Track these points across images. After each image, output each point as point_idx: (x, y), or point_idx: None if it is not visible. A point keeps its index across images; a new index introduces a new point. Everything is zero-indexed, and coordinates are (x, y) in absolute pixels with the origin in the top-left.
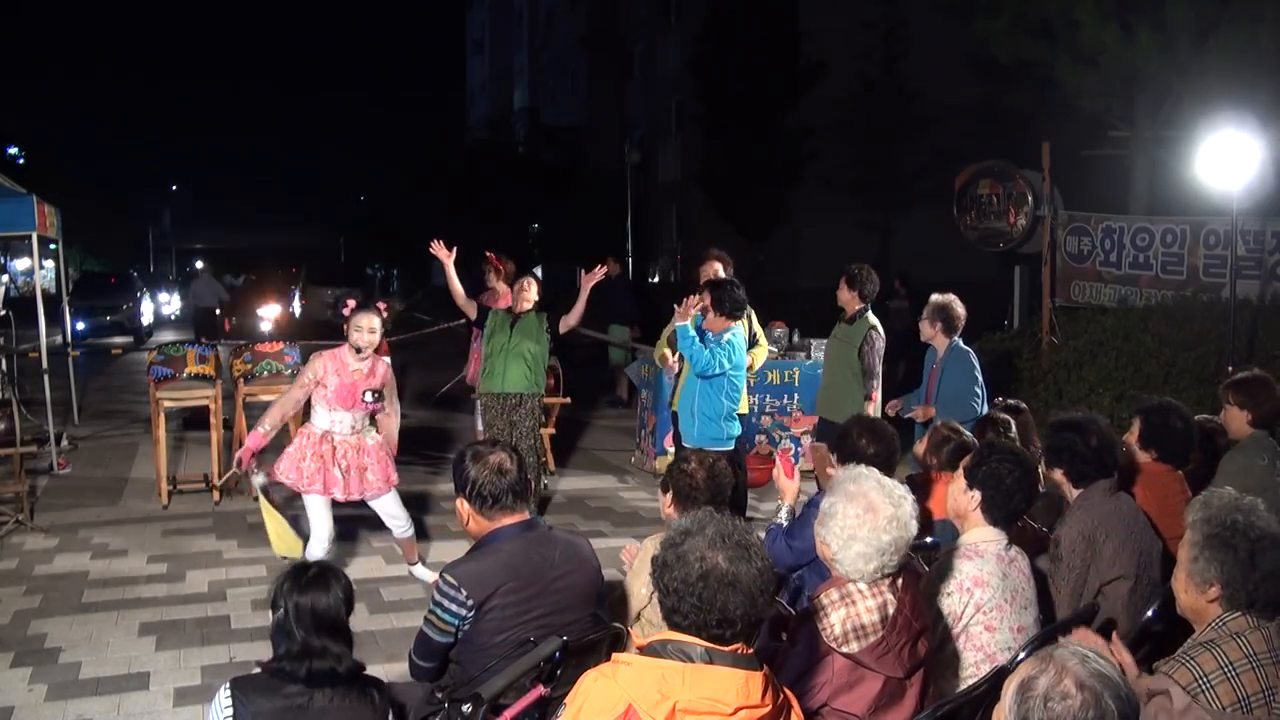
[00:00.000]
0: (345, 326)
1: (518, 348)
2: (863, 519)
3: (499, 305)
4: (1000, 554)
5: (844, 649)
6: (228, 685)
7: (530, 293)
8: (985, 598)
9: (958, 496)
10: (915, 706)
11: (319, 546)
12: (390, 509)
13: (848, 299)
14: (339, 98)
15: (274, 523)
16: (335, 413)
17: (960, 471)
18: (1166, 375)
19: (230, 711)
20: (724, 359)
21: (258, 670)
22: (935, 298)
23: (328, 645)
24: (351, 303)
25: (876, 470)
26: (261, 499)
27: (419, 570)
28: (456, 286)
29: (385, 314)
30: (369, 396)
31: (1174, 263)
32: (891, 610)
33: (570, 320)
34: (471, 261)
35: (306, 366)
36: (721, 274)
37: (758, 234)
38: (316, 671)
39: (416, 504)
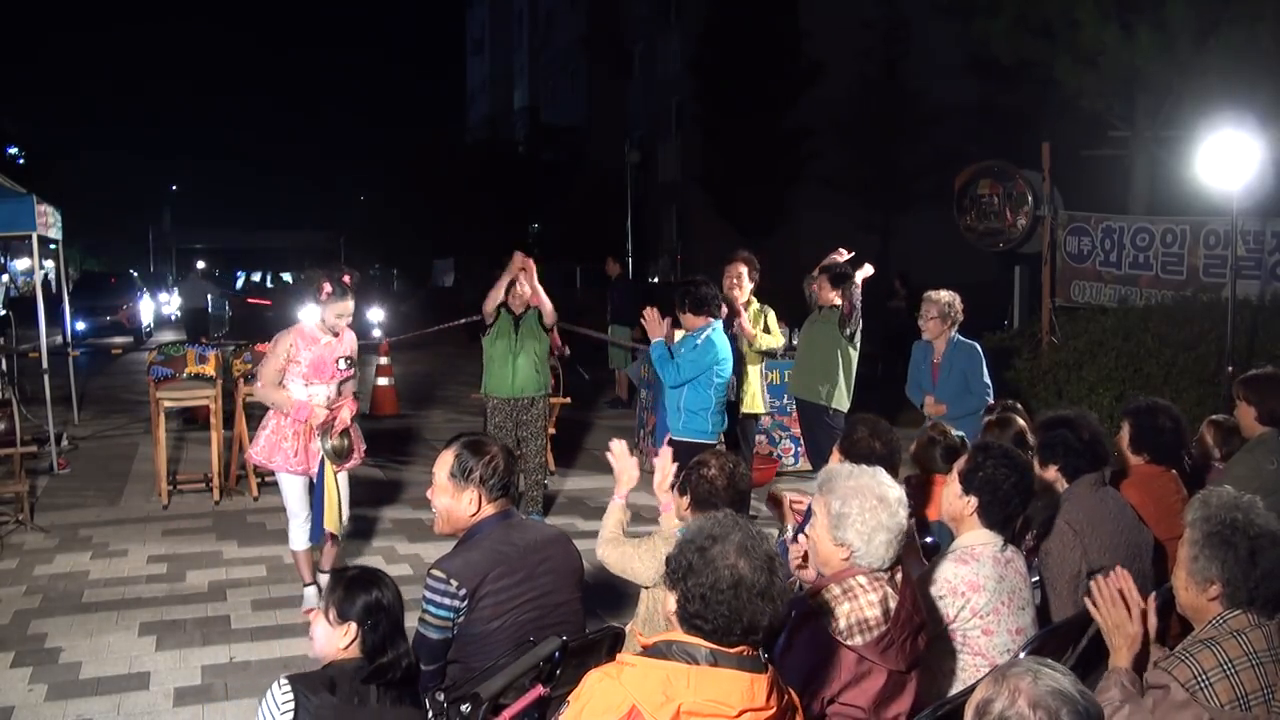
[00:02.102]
0: (322, 309)
1: (525, 349)
2: (878, 510)
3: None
4: (996, 556)
5: (849, 642)
6: (285, 680)
7: (526, 290)
8: (981, 602)
9: (953, 501)
10: (913, 701)
11: (301, 532)
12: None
13: (830, 296)
14: (339, 97)
15: (333, 494)
16: (312, 386)
17: (954, 475)
18: (1166, 375)
19: (291, 705)
20: (696, 360)
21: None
22: (940, 295)
23: (402, 645)
24: (327, 286)
25: (862, 465)
26: (329, 467)
27: (312, 596)
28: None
29: (350, 284)
30: (343, 364)
31: (1174, 263)
32: (893, 604)
33: (546, 314)
34: (473, 261)
35: (275, 344)
36: (745, 274)
37: (758, 234)
38: (392, 677)
39: (424, 506)
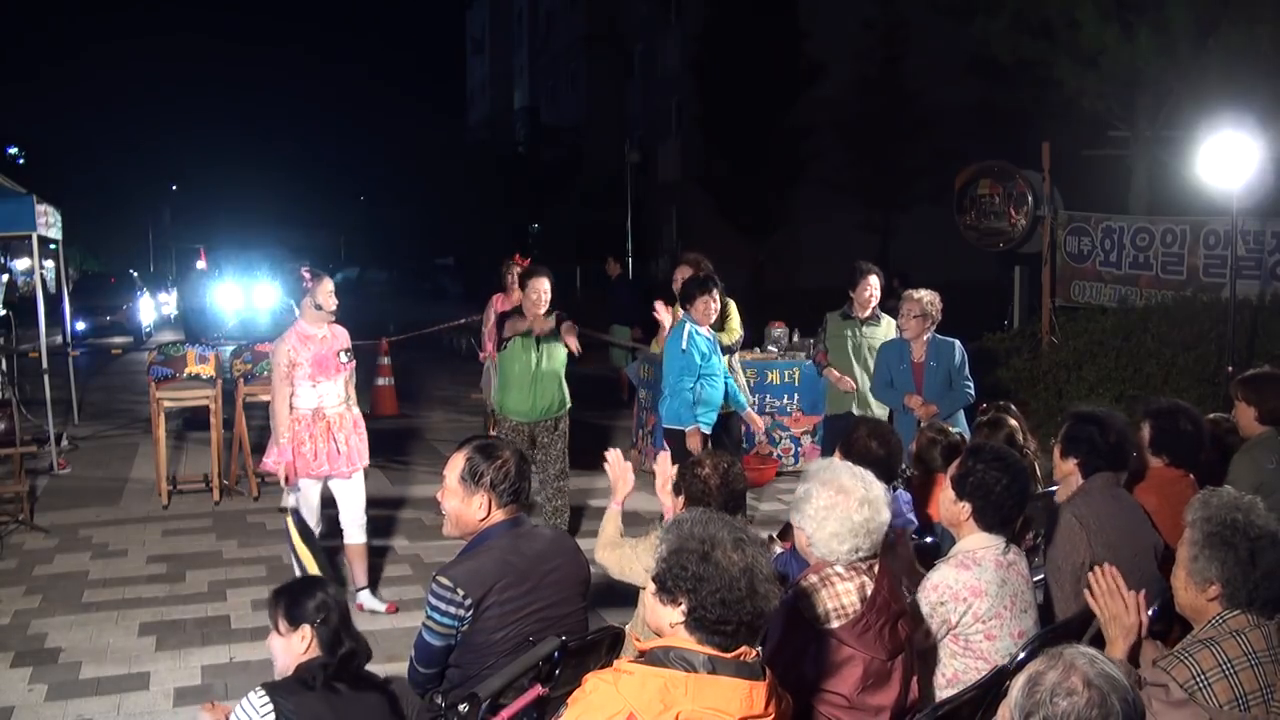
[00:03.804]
0: (308, 299)
1: (548, 369)
2: (835, 500)
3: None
4: (998, 559)
5: (826, 628)
6: (261, 690)
7: (545, 296)
8: (984, 607)
9: (948, 506)
10: (900, 691)
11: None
12: (359, 498)
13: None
14: (339, 98)
15: (303, 548)
16: (320, 385)
17: (947, 481)
18: (1166, 375)
19: (270, 710)
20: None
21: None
22: (921, 294)
23: (356, 634)
24: (306, 272)
25: (860, 467)
26: (291, 525)
27: (368, 599)
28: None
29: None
30: (344, 356)
31: (1174, 263)
32: (870, 591)
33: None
34: (470, 262)
35: (275, 357)
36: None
37: (758, 234)
38: (355, 666)
39: (425, 505)
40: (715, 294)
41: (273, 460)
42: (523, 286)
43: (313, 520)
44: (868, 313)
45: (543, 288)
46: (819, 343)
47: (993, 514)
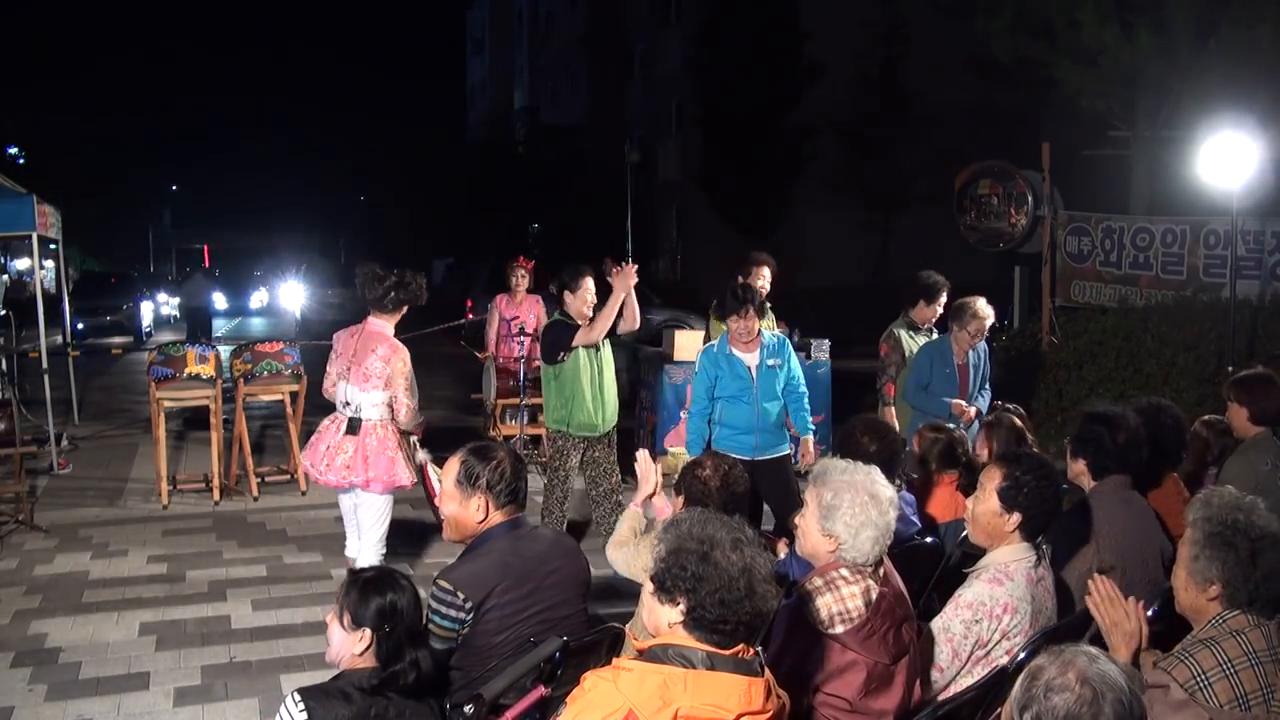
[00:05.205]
0: (389, 296)
1: (607, 374)
2: (869, 506)
3: (523, 314)
4: (1029, 574)
5: (830, 632)
6: (298, 694)
7: (592, 294)
8: (1012, 624)
9: (991, 520)
10: (903, 694)
11: (376, 550)
12: None
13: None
14: (339, 98)
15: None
16: None
17: (989, 494)
18: (1166, 375)
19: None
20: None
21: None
22: (988, 312)
23: (419, 651)
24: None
25: (868, 465)
26: (432, 469)
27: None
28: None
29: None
30: None
31: (1174, 263)
32: (875, 595)
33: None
34: (470, 262)
35: (404, 362)
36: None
37: (758, 234)
38: (406, 684)
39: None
40: (747, 312)
41: (389, 476)
42: (571, 289)
43: (384, 533)
44: (927, 325)
45: (591, 286)
46: (886, 369)
47: (1040, 523)
